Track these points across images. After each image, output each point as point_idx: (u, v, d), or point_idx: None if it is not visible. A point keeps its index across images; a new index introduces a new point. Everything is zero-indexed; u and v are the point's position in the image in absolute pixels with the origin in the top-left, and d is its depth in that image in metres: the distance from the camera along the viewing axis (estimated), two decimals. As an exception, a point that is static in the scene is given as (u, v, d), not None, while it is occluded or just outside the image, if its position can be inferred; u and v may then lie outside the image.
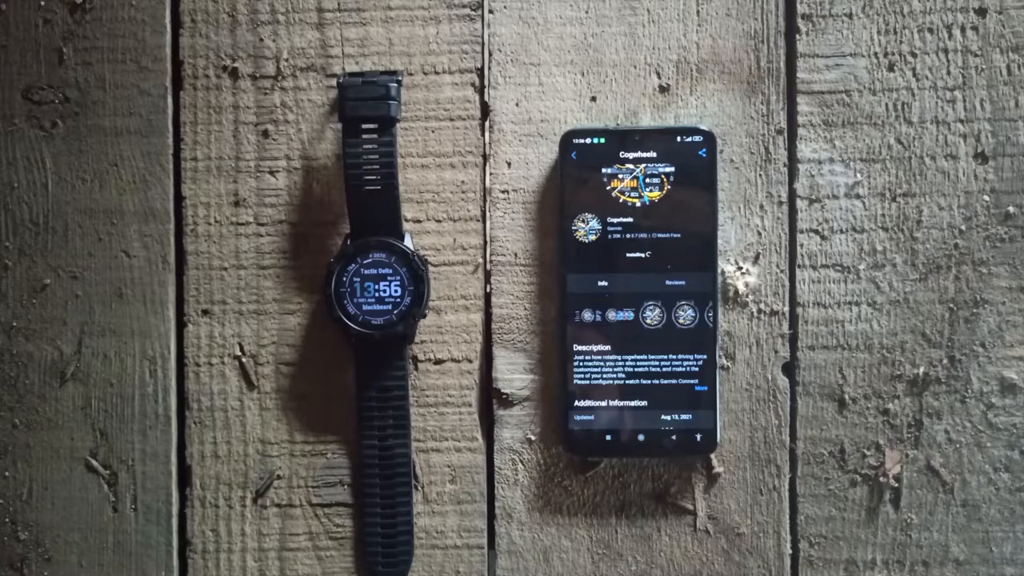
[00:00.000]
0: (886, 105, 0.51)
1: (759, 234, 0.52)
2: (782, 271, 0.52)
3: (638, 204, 0.50)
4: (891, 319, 0.51)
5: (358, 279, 0.50)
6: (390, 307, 0.49)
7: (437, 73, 0.52)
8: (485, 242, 0.52)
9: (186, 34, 0.53)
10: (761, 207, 0.52)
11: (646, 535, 0.52)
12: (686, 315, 0.50)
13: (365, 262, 0.50)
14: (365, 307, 0.50)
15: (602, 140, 0.50)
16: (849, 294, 0.51)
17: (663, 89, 0.52)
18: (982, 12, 0.51)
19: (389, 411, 0.51)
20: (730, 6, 0.52)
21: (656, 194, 0.50)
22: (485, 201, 0.53)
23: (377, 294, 0.50)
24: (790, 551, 0.52)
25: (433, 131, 0.52)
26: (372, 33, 0.52)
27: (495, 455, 0.52)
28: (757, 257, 0.52)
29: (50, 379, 0.53)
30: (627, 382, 0.50)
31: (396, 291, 0.50)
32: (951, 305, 0.51)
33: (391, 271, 0.49)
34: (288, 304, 0.53)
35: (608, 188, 0.50)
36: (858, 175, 0.51)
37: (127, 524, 0.53)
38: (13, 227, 0.53)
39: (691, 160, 0.50)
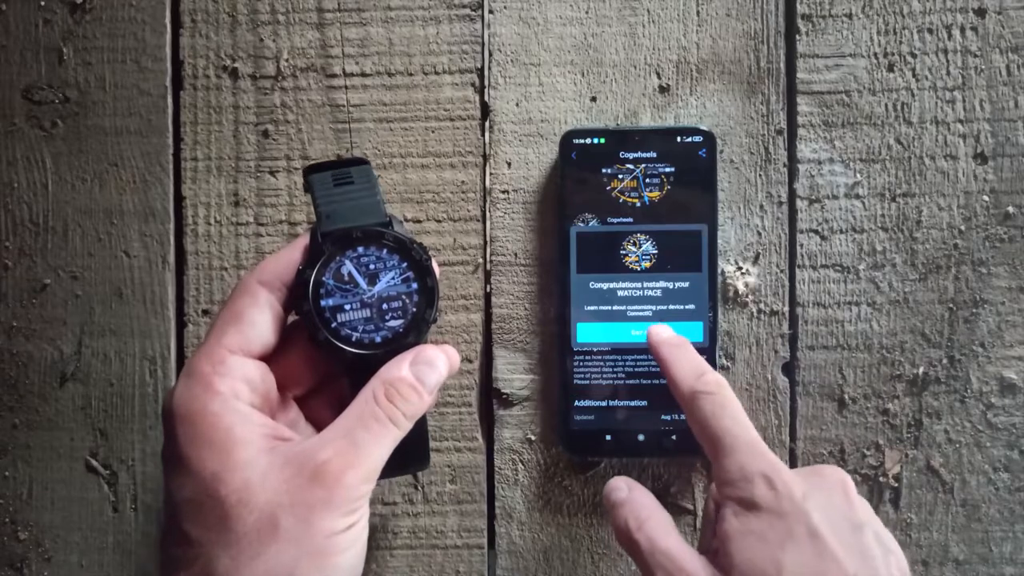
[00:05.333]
0: (886, 105, 0.51)
1: (759, 234, 0.52)
2: (782, 271, 0.52)
3: (638, 204, 0.50)
4: (891, 319, 0.51)
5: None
6: (395, 316, 0.39)
7: (437, 73, 0.52)
8: (485, 242, 0.52)
9: (186, 34, 0.53)
10: (761, 207, 0.52)
11: (646, 535, 0.52)
12: (686, 315, 0.50)
13: (351, 260, 0.39)
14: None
15: (602, 140, 0.50)
16: (849, 294, 0.51)
17: (663, 89, 0.52)
18: (981, 13, 0.51)
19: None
20: (730, 6, 0.52)
21: (656, 194, 0.50)
22: (485, 201, 0.53)
23: None
24: (790, 551, 0.51)
25: (433, 131, 0.52)
26: (372, 33, 0.52)
27: (495, 455, 0.52)
28: (757, 257, 0.52)
29: (50, 379, 0.53)
30: (627, 382, 0.50)
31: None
32: (951, 305, 0.51)
33: (386, 267, 0.39)
34: (288, 304, 0.53)
35: (608, 188, 0.50)
36: (858, 175, 0.51)
37: (127, 524, 0.53)
38: (13, 227, 0.53)
39: (691, 160, 0.50)
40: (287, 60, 0.53)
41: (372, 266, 0.39)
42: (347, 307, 0.39)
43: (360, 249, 0.39)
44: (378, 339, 0.39)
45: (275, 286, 0.38)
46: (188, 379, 0.36)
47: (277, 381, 0.39)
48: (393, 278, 0.39)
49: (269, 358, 0.38)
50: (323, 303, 0.38)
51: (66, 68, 0.53)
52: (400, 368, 0.38)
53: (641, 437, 0.50)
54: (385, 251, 0.39)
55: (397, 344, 0.39)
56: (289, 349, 0.39)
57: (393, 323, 0.39)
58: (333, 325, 0.39)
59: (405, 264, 0.39)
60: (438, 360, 0.39)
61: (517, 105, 0.52)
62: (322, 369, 0.41)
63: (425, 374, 0.38)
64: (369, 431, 0.36)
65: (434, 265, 0.40)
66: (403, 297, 0.39)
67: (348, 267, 0.39)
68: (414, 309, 0.39)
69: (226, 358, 0.36)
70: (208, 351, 0.36)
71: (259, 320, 0.37)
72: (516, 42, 0.52)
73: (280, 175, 0.53)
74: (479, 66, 0.52)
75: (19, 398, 0.53)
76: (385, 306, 0.39)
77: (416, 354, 0.38)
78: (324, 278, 0.39)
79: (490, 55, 0.52)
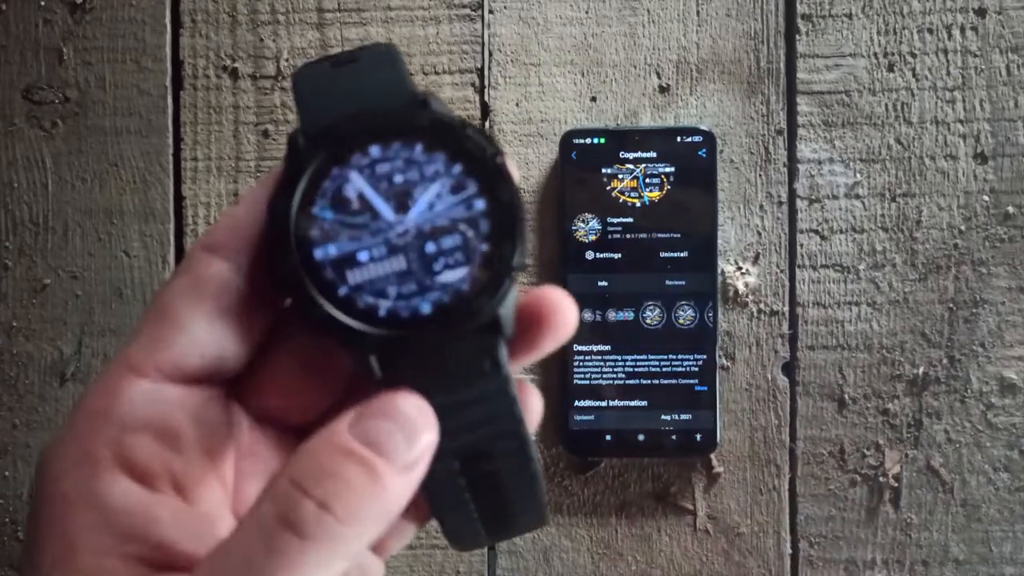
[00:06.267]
0: (886, 105, 0.51)
1: (759, 234, 0.52)
2: (782, 271, 0.52)
3: (638, 204, 0.50)
4: (891, 319, 0.51)
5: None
6: (450, 264, 0.22)
7: (437, 73, 0.52)
8: (485, 242, 0.52)
9: (186, 34, 0.53)
10: (761, 207, 0.52)
11: (646, 535, 0.52)
12: (686, 315, 0.50)
13: (360, 171, 0.22)
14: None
15: (602, 140, 0.50)
16: (849, 294, 0.51)
17: (663, 89, 0.52)
18: (981, 13, 0.51)
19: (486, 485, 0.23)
20: (730, 6, 0.52)
21: (656, 194, 0.50)
22: (485, 201, 0.52)
23: None
24: (790, 551, 0.51)
25: (433, 131, 0.52)
26: (372, 33, 0.52)
27: (495, 455, 0.52)
28: (757, 257, 0.52)
29: (50, 379, 0.53)
30: (627, 382, 0.50)
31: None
32: (951, 305, 0.51)
33: (424, 177, 0.22)
34: (288, 304, 0.53)
35: (608, 188, 0.50)
36: (858, 175, 0.51)
37: (127, 524, 0.53)
38: (13, 227, 0.53)
39: (691, 160, 0.50)
40: (287, 60, 0.53)
41: (399, 177, 0.22)
42: (363, 256, 0.22)
43: (375, 149, 0.22)
44: (426, 308, 0.22)
45: (234, 249, 0.22)
46: (69, 419, 0.22)
47: (261, 407, 0.24)
48: (439, 194, 0.22)
49: (237, 370, 0.23)
50: (318, 253, 0.21)
51: (66, 68, 0.53)
52: (336, 430, 0.20)
53: (641, 437, 0.50)
54: (419, 147, 0.22)
55: (460, 314, 0.21)
56: (278, 348, 0.24)
57: (449, 275, 0.22)
58: (341, 291, 0.21)
59: (458, 167, 0.22)
60: (414, 413, 0.21)
61: (517, 105, 0.52)
62: (345, 372, 0.24)
63: (384, 436, 0.20)
64: (258, 570, 0.19)
65: (510, 167, 0.22)
66: (461, 226, 0.22)
67: (357, 183, 0.22)
68: (484, 247, 0.22)
69: (125, 388, 0.22)
70: (106, 373, 0.22)
71: (197, 315, 0.22)
72: (516, 42, 0.52)
73: (280, 175, 0.52)
74: (479, 66, 0.52)
75: (19, 398, 0.53)
76: (431, 246, 0.22)
77: (370, 406, 0.21)
78: (315, 210, 0.22)
79: (490, 55, 0.52)
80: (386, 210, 0.22)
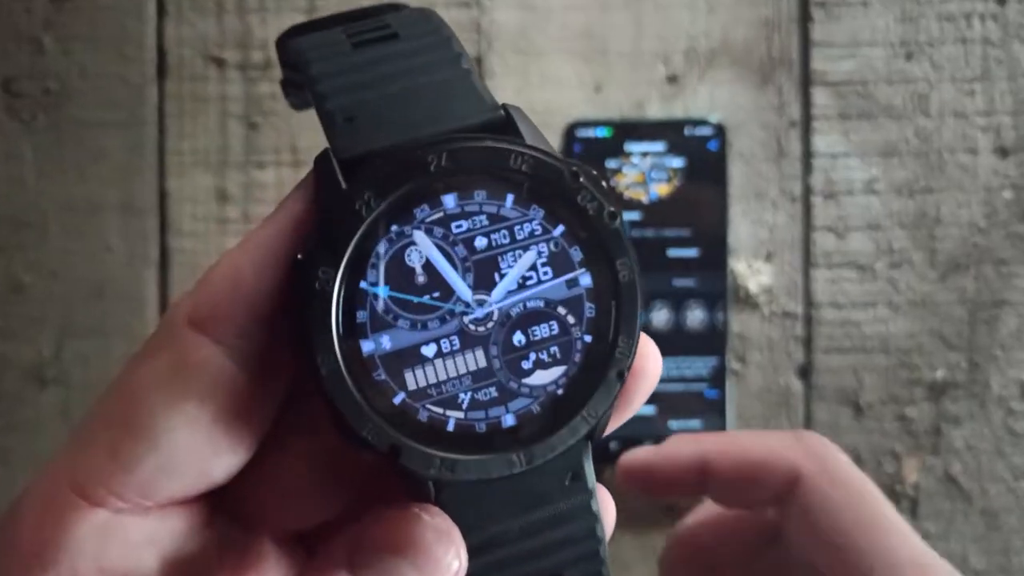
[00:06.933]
0: (903, 97, 0.51)
1: (772, 231, 0.51)
2: (796, 270, 0.51)
3: (645, 199, 0.50)
4: (909, 320, 0.51)
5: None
6: (543, 361, 0.18)
7: (434, 62, 0.51)
8: (484, 239, 0.51)
9: (171, 22, 0.52)
10: (774, 203, 0.51)
11: (654, 547, 0.50)
12: (695, 316, 0.49)
13: (429, 230, 0.17)
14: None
15: (607, 132, 0.50)
16: (866, 294, 0.51)
17: (671, 79, 0.51)
18: (1001, 1, 0.51)
19: None
20: (741, -8, 0.51)
21: (664, 189, 0.50)
22: (484, 196, 0.51)
23: None
24: (803, 563, 0.50)
25: (430, 123, 0.51)
26: (366, 20, 0.51)
27: (494, 462, 0.51)
28: (770, 256, 0.51)
29: (30, 381, 0.52)
30: (633, 387, 0.49)
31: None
32: (970, 306, 0.50)
33: (515, 240, 0.17)
34: (278, 304, 0.51)
35: (613, 183, 0.50)
36: (875, 170, 0.51)
37: (109, 534, 0.51)
38: (-9, 223, 0.52)
39: (700, 153, 0.50)
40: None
41: (482, 240, 0.17)
42: (428, 349, 0.17)
43: (449, 200, 0.17)
44: (508, 420, 0.17)
45: (232, 326, 0.17)
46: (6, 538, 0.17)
47: (253, 513, 0.19)
48: (534, 266, 0.17)
49: (226, 482, 0.18)
50: (367, 347, 0.17)
51: (47, 58, 0.52)
52: (329, 571, 0.17)
53: (648, 444, 0.49)
54: (511, 198, 0.17)
55: (552, 430, 0.17)
56: (282, 446, 0.18)
57: (541, 376, 0.17)
58: (397, 399, 0.17)
59: (560, 229, 0.17)
60: (432, 541, 0.16)
61: (518, 95, 0.51)
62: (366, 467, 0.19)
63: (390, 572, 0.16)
64: None
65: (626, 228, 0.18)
66: (560, 310, 0.17)
67: (424, 247, 0.17)
68: (588, 338, 0.17)
69: (72, 522, 0.17)
70: (47, 493, 0.18)
71: (177, 422, 0.16)
72: (516, 29, 0.52)
73: (269, 169, 0.52)
74: (477, 54, 0.51)
75: (-1, 401, 0.52)
76: (520, 337, 0.17)
77: (373, 533, 0.17)
78: (365, 284, 0.17)
79: (489, 43, 0.51)
80: (462, 287, 0.17)
